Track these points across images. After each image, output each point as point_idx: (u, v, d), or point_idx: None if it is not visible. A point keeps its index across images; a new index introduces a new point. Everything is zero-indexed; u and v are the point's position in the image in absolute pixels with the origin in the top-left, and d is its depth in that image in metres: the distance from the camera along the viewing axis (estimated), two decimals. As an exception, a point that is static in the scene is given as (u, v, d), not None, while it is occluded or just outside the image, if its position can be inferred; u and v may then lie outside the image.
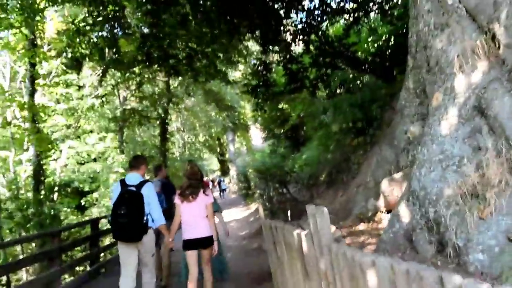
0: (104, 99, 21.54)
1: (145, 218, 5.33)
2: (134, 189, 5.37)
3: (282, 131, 29.93)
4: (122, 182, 5.53)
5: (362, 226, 6.54)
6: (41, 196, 15.18)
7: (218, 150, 49.17)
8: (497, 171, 3.87)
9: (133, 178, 5.53)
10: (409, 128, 6.46)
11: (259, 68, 14.39)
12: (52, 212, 14.47)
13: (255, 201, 26.87)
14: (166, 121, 25.98)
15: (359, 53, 14.29)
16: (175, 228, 5.73)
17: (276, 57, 14.66)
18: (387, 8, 14.19)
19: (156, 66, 14.13)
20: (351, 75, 14.02)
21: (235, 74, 24.46)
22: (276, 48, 14.49)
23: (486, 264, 3.55)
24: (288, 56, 14.20)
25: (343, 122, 8.74)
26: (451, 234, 3.93)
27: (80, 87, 19.55)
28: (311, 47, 14.06)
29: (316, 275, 3.63)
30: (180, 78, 22.51)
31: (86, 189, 18.81)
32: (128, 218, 5.22)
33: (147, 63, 13.78)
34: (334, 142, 13.84)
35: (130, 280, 5.54)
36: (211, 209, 5.82)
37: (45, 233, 10.68)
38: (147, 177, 6.17)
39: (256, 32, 14.54)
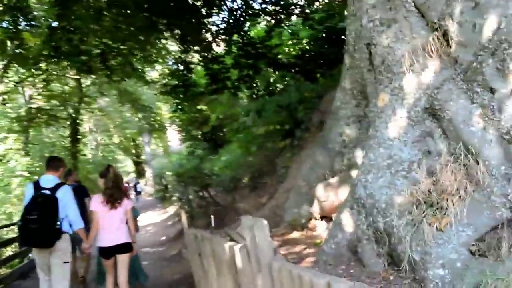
0: (6, 96, 19.61)
1: (58, 222, 4.98)
2: (48, 192, 5.03)
3: (200, 133, 29.33)
4: (36, 184, 5.17)
5: (295, 234, 6.09)
6: None
7: (133, 151, 47.30)
8: (452, 177, 3.54)
9: (48, 180, 5.17)
10: (345, 131, 6.12)
11: (179, 67, 13.65)
12: None
13: (172, 204, 25.98)
14: (78, 121, 24.25)
15: (281, 55, 14.01)
16: (94, 235, 5.47)
17: (196, 56, 13.98)
18: (308, 12, 14.07)
19: (65, 62, 12.87)
20: (275, 77, 13.70)
21: (153, 74, 23.29)
22: (197, 47, 13.84)
23: (447, 280, 3.19)
24: (209, 56, 13.60)
25: (268, 124, 8.28)
26: (404, 247, 3.54)
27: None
28: (233, 48, 13.56)
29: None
30: (92, 76, 21.13)
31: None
32: (39, 223, 4.84)
33: (55, 59, 12.50)
34: (256, 145, 13.46)
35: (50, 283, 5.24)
36: (131, 214, 5.73)
37: None
38: None
39: (176, 30, 13.81)
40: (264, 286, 2.97)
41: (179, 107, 13.90)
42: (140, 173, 47.64)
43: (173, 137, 38.32)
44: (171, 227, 17.44)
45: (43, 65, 14.44)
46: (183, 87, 13.60)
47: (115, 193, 5.51)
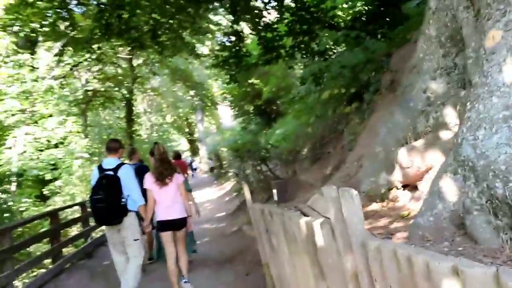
0: (63, 80, 19.67)
1: (123, 200, 5.33)
2: (111, 173, 5.37)
3: (252, 107, 28.71)
4: (100, 167, 5.55)
5: (375, 206, 5.33)
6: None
7: (187, 130, 47.47)
8: None
9: (110, 162, 5.54)
10: (429, 86, 5.24)
11: (230, 38, 12.95)
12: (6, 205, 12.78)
13: (228, 180, 25.72)
14: (132, 102, 24.24)
15: (336, 19, 13.04)
16: (150, 212, 5.71)
17: (248, 26, 13.22)
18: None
19: (117, 39, 12.47)
20: (332, 41, 12.74)
21: (203, 50, 22.73)
22: (247, 16, 13.09)
23: None
24: (261, 24, 12.80)
25: (332, 88, 7.45)
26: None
27: (34, 68, 17.58)
28: (286, 14, 12.71)
29: (338, 277, 2.59)
30: (144, 54, 20.86)
31: (48, 177, 17.10)
32: (105, 202, 5.24)
33: (107, 36, 12.11)
34: (314, 114, 12.68)
35: (124, 257, 5.67)
36: (183, 188, 5.90)
37: (43, 214, 10.50)
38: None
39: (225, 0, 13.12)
40: (356, 269, 2.28)
41: (234, 78, 13.16)
42: (194, 151, 47.86)
43: (225, 114, 38.40)
44: (228, 203, 17.08)
45: (95, 46, 14.15)
46: (235, 58, 12.91)
47: (164, 170, 5.67)
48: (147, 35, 13.19)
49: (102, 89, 22.81)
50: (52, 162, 17.09)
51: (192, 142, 49.47)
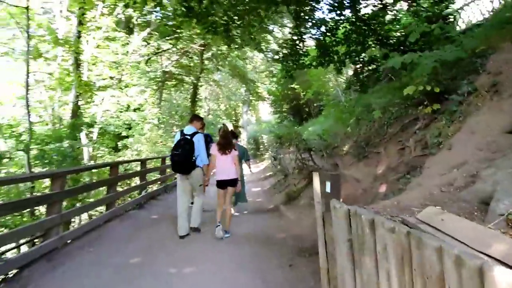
0: (147, 58, 17.64)
1: (194, 158, 5.53)
2: (188, 137, 5.55)
3: (288, 107, 26.46)
4: (181, 132, 5.73)
5: None
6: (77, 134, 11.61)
7: (234, 118, 45.31)
8: None
9: (189, 129, 5.72)
10: None
11: (293, 37, 10.48)
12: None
13: (263, 160, 23.42)
14: (197, 87, 22.09)
15: (392, 32, 10.41)
16: (211, 172, 5.93)
17: (308, 30, 10.70)
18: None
19: (195, 20, 10.15)
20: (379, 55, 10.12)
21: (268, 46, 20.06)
22: (309, 23, 10.59)
23: None
24: (322, 30, 10.31)
25: (419, 84, 4.87)
26: None
27: (126, 44, 15.53)
28: (346, 24, 10.17)
29: None
30: (212, 48, 18.61)
31: (123, 134, 15.20)
32: (181, 157, 5.44)
33: (187, 18, 9.83)
34: (354, 116, 10.21)
35: (186, 199, 5.86)
36: (237, 160, 6.00)
37: (105, 164, 10.15)
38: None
39: (291, 6, 10.63)
40: None
41: (289, 74, 10.71)
42: (237, 135, 45.95)
43: (264, 109, 37.22)
44: (264, 180, 14.73)
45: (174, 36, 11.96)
46: (294, 55, 10.48)
47: (225, 144, 5.82)
48: (221, 28, 10.88)
49: (176, 72, 20.66)
50: (127, 123, 15.16)
51: (236, 127, 47.44)
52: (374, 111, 8.72)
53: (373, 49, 11.09)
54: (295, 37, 10.43)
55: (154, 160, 12.49)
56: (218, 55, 21.13)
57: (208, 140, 6.67)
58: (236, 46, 12.25)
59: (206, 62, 22.51)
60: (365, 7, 10.12)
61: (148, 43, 16.84)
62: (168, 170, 12.53)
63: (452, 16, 10.35)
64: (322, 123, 15.08)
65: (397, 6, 10.73)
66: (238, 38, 12.10)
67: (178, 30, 12.37)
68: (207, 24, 10.00)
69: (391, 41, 10.22)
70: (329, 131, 11.48)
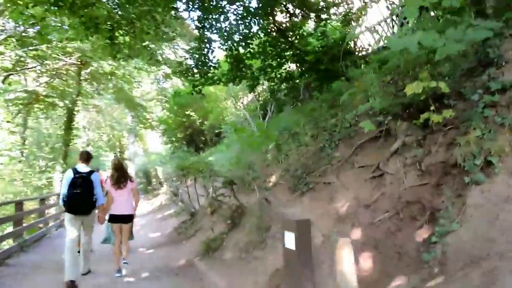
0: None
1: (94, 197, 5.14)
2: (85, 175, 5.09)
3: (182, 136, 24.04)
4: (74, 170, 5.14)
5: None
6: None
7: (118, 149, 40.21)
8: None
9: (83, 167, 5.21)
10: None
11: (200, 45, 8.45)
12: None
13: (156, 196, 20.17)
14: (73, 112, 17.96)
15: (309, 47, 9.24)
16: (109, 208, 5.52)
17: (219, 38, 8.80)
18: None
19: (68, 13, 7.25)
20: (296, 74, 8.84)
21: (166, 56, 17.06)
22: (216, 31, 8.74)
23: None
24: (234, 38, 8.54)
25: (424, 80, 3.26)
26: None
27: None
28: (260, 33, 8.63)
29: None
30: (93, 65, 15.20)
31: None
32: (82, 197, 5.00)
33: (56, 5, 6.92)
34: (272, 142, 8.58)
35: (76, 236, 5.17)
36: (136, 192, 5.84)
37: None
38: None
39: (195, 12, 8.69)
40: None
41: (196, 89, 8.53)
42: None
43: (152, 139, 34.30)
44: (162, 221, 11.82)
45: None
46: (202, 66, 8.42)
47: (119, 177, 5.58)
48: (104, 26, 8.22)
49: (44, 93, 16.43)
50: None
51: (121, 160, 42.31)
52: (306, 132, 7.18)
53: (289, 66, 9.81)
54: (202, 45, 8.40)
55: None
56: (100, 75, 17.67)
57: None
58: (123, 57, 9.61)
59: (84, 83, 18.68)
60: (282, 13, 8.79)
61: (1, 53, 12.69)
62: (26, 219, 8.89)
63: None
64: (226, 152, 13.18)
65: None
66: (126, 47, 9.51)
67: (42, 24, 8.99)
68: (85, 17, 7.26)
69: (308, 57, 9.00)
70: (242, 160, 9.55)
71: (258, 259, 5.12)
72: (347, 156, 5.26)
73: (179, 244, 8.21)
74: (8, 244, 8.20)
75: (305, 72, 9.10)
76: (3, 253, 6.76)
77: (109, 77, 17.79)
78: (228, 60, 8.62)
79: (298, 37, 8.84)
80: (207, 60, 8.30)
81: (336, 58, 9.02)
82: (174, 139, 24.37)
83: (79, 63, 15.80)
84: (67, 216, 5.14)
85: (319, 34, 9.22)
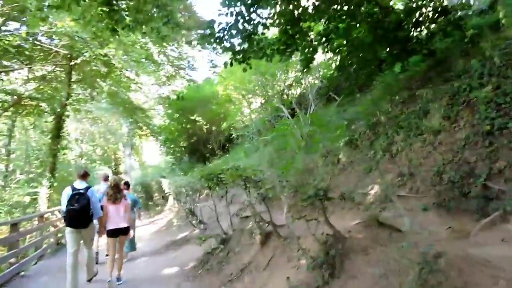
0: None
1: (91, 211, 5.34)
2: (82, 191, 5.35)
3: (185, 145, 21.15)
4: (72, 187, 5.43)
5: None
6: None
7: (113, 163, 36.96)
8: None
9: (81, 184, 5.49)
10: None
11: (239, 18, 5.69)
12: None
13: (159, 213, 17.13)
14: (63, 118, 14.96)
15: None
16: (105, 222, 5.68)
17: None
18: None
19: None
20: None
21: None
22: None
23: None
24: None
25: None
26: None
27: None
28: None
29: None
30: (85, 65, 12.26)
31: None
32: (79, 211, 5.21)
33: None
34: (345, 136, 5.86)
35: (77, 251, 5.39)
36: (129, 208, 5.96)
37: None
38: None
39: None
40: None
41: (237, 58, 5.74)
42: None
43: (148, 151, 32.63)
44: (176, 248, 8.72)
45: None
46: (242, 31, 5.67)
47: (115, 194, 5.79)
48: None
49: (26, 94, 13.46)
50: None
51: (116, 173, 38.95)
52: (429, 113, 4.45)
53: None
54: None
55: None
56: (94, 75, 14.83)
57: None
58: (124, 28, 6.83)
59: (74, 86, 15.78)
60: None
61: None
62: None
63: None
64: (251, 158, 10.46)
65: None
66: (131, 13, 6.78)
67: None
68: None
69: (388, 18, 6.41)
70: (294, 165, 6.73)
71: None
72: None
73: (202, 278, 5.26)
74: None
75: (381, 40, 6.42)
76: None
77: (104, 78, 14.96)
78: (277, 21, 5.88)
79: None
80: (251, 17, 5.57)
81: (420, 22, 6.47)
82: (177, 149, 21.48)
83: (69, 61, 12.97)
84: (67, 230, 5.46)
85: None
